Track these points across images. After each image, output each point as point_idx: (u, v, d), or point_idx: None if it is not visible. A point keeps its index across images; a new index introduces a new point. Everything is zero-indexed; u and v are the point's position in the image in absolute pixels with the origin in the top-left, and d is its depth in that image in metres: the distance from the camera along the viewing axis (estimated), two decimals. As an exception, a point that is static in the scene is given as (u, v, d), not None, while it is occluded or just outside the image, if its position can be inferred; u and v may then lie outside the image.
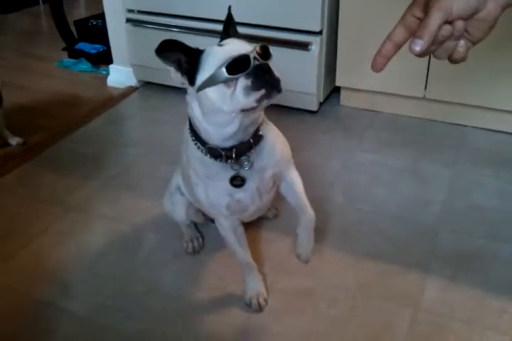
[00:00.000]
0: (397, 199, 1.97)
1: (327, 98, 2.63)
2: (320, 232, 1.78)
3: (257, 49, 1.10)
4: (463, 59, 0.70)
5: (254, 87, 1.08)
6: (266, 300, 1.53)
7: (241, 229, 1.47)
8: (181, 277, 1.65)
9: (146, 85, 2.87)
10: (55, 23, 3.30)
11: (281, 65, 2.61)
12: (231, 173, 1.28)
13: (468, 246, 1.74)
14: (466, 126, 2.40)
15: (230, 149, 1.24)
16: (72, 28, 3.30)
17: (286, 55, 2.40)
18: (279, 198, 1.48)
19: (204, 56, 1.13)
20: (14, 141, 2.34)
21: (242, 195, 1.33)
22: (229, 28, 1.25)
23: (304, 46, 2.35)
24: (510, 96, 2.26)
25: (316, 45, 2.34)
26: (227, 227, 1.43)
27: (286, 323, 1.48)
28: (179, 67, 1.15)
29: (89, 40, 3.21)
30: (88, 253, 1.75)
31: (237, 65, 1.08)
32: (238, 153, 1.25)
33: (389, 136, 2.37)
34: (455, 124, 2.42)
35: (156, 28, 2.61)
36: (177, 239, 1.77)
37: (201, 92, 1.13)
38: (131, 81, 2.86)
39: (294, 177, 1.43)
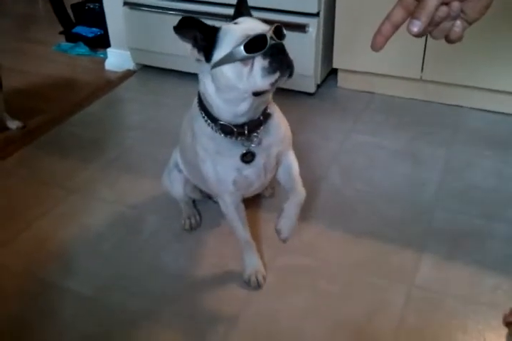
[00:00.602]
0: (394, 179, 2.00)
1: (324, 80, 2.64)
2: (318, 212, 1.82)
3: (272, 28, 1.13)
4: (459, 39, 0.72)
5: (271, 68, 1.13)
6: (264, 278, 1.57)
7: (242, 207, 1.51)
8: (182, 256, 1.68)
9: (144, 68, 2.88)
10: (52, 6, 3.29)
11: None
12: (242, 149, 1.32)
13: (464, 226, 1.77)
14: (462, 106, 2.42)
15: (242, 126, 1.28)
16: (70, 12, 3.29)
17: (283, 37, 2.41)
18: (276, 178, 1.51)
19: (221, 34, 1.15)
20: (14, 124, 2.36)
21: (249, 170, 1.37)
22: (241, 7, 1.27)
23: (301, 28, 2.35)
24: (506, 76, 2.27)
25: (314, 27, 2.35)
26: (230, 204, 1.47)
27: (285, 300, 1.52)
28: (196, 44, 1.17)
29: (87, 24, 3.20)
30: (90, 235, 1.78)
31: (254, 44, 1.11)
32: (249, 130, 1.29)
33: (386, 118, 2.39)
34: (451, 105, 2.44)
35: (154, 11, 2.60)
36: (177, 220, 1.80)
37: (217, 69, 1.17)
38: (129, 64, 2.86)
39: (292, 160, 1.48)
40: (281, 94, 2.52)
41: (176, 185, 1.73)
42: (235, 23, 1.19)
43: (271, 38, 1.12)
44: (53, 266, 1.66)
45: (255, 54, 1.11)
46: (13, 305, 1.53)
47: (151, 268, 1.64)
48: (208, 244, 1.72)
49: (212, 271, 1.63)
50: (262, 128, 1.32)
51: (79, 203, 1.92)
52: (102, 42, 3.03)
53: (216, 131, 1.30)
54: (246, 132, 1.29)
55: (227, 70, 1.15)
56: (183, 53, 2.89)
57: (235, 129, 1.28)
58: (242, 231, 1.54)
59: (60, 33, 3.27)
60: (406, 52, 2.37)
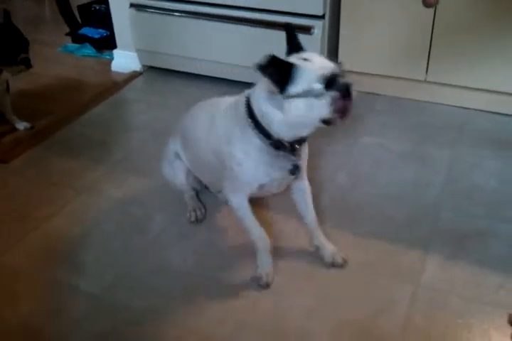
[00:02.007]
0: (399, 181, 2.01)
1: (329, 81, 2.65)
2: (324, 214, 1.84)
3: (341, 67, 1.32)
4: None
5: (339, 104, 1.29)
6: (272, 277, 1.59)
7: (251, 208, 1.57)
8: (188, 256, 1.70)
9: (151, 70, 2.90)
10: (58, 8, 3.31)
11: (284, 48, 2.64)
12: (285, 161, 1.47)
13: (468, 226, 1.78)
14: (466, 108, 2.44)
15: (292, 143, 1.43)
16: (76, 13, 3.31)
17: (289, 39, 2.42)
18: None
19: (296, 70, 1.27)
20: (22, 125, 2.38)
21: (277, 178, 1.51)
22: (294, 41, 1.40)
23: (306, 30, 2.37)
24: (509, 78, 2.28)
25: (319, 29, 2.36)
26: (246, 206, 1.56)
27: (292, 300, 1.54)
28: (273, 78, 1.28)
29: (93, 25, 3.22)
30: (98, 234, 1.80)
31: (329, 82, 1.27)
32: (298, 146, 1.45)
33: (390, 119, 2.41)
34: (456, 107, 2.45)
35: (160, 13, 2.63)
36: (183, 218, 1.82)
37: (291, 101, 1.29)
38: (136, 65, 2.88)
39: (307, 185, 1.65)
40: (287, 95, 2.57)
41: (179, 174, 1.82)
42: (305, 60, 1.30)
43: (339, 75, 1.29)
44: (62, 265, 1.68)
45: (330, 92, 1.27)
46: (22, 305, 1.55)
47: (158, 266, 1.66)
48: (215, 242, 1.73)
49: (219, 269, 1.65)
50: (303, 144, 1.49)
51: (87, 203, 1.94)
52: (108, 43, 3.06)
53: (267, 145, 1.42)
54: (296, 147, 1.45)
55: (302, 103, 1.29)
56: (188, 55, 2.90)
57: (288, 145, 1.42)
58: (257, 228, 1.58)
59: (67, 34, 3.29)
60: (411, 53, 2.39)
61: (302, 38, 2.35)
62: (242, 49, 2.56)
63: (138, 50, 2.83)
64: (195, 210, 1.84)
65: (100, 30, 3.20)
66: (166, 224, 1.83)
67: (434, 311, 1.49)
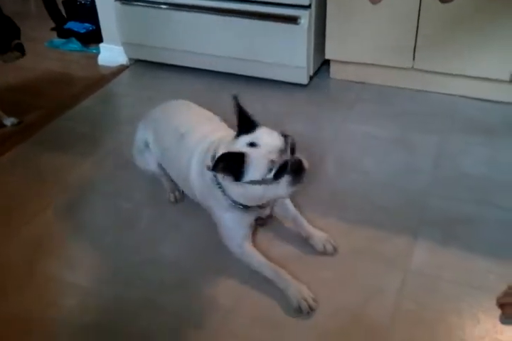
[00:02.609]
0: (387, 168, 2.02)
1: (317, 71, 2.66)
2: (311, 201, 1.85)
3: (289, 146, 1.39)
4: None
5: (294, 181, 1.39)
6: (315, 300, 1.48)
7: (253, 250, 1.63)
8: (179, 248, 1.70)
9: (137, 63, 2.89)
10: (43, 2, 3.29)
11: (270, 39, 2.65)
12: (255, 215, 1.62)
13: (457, 212, 1.80)
14: (454, 95, 2.45)
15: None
16: (61, 8, 3.29)
17: (275, 30, 2.42)
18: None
19: (247, 159, 1.35)
20: (9, 121, 2.37)
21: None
22: (245, 116, 1.45)
23: (293, 20, 2.37)
24: (496, 64, 2.29)
25: (305, 18, 2.36)
26: (248, 252, 1.61)
27: (282, 288, 1.54)
28: (226, 172, 1.37)
29: (79, 19, 3.21)
30: (89, 228, 1.80)
31: (280, 170, 1.36)
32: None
33: (378, 107, 2.41)
34: (443, 94, 2.46)
35: (145, 6, 2.62)
36: (174, 212, 1.83)
37: (247, 185, 1.39)
38: (122, 59, 2.87)
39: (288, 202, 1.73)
40: (274, 85, 2.58)
41: (150, 163, 1.87)
42: (252, 145, 1.38)
43: (290, 158, 1.37)
44: (54, 260, 1.68)
45: (282, 178, 1.37)
46: (14, 298, 1.55)
47: (149, 259, 1.66)
48: (204, 234, 1.73)
49: (210, 259, 1.65)
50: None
51: (76, 197, 1.94)
52: (94, 37, 3.04)
53: (234, 205, 1.53)
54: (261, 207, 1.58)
55: (258, 188, 1.39)
56: (175, 47, 2.90)
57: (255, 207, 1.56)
58: (269, 267, 1.56)
59: (52, 29, 3.27)
60: (397, 41, 2.39)
61: (289, 27, 2.39)
62: (228, 40, 2.55)
63: (124, 44, 2.82)
64: (173, 192, 1.88)
65: (86, 25, 3.18)
66: (156, 217, 1.83)
67: (423, 296, 1.51)
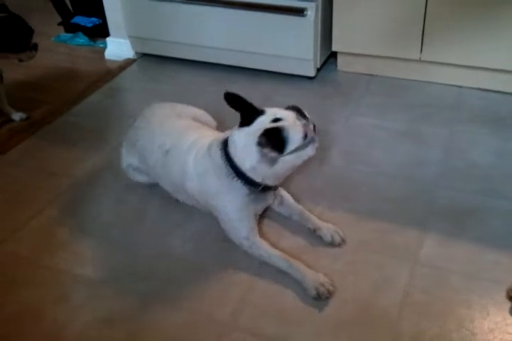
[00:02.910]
0: (395, 160, 2.02)
1: (324, 64, 2.64)
2: (320, 193, 1.85)
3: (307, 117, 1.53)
4: None
5: (314, 139, 1.52)
6: (332, 284, 1.49)
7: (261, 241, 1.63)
8: (188, 241, 1.70)
9: (144, 57, 2.89)
10: (49, -3, 3.29)
11: (277, 31, 2.64)
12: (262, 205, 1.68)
13: (465, 203, 1.79)
14: (461, 86, 2.43)
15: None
16: (68, 2, 3.29)
17: (282, 22, 2.41)
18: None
19: (286, 132, 1.45)
20: (17, 116, 2.37)
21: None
22: (246, 104, 1.51)
23: (299, 12, 2.36)
24: (504, 55, 2.27)
25: (312, 10, 2.35)
26: (261, 242, 1.61)
27: (291, 279, 1.54)
28: (271, 147, 1.45)
29: (85, 14, 3.20)
30: (98, 223, 1.81)
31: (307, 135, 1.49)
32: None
33: (386, 99, 2.40)
34: (451, 85, 2.45)
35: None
36: (181, 207, 1.82)
37: (284, 158, 1.47)
38: (129, 53, 2.87)
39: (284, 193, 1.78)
40: (281, 78, 2.57)
41: (140, 177, 1.91)
42: (278, 119, 1.47)
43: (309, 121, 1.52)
44: (63, 253, 1.69)
45: (311, 140, 1.50)
46: (23, 292, 1.56)
47: (158, 252, 1.67)
48: (212, 227, 1.73)
49: (217, 253, 1.66)
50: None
51: (84, 191, 1.95)
52: (101, 31, 3.04)
53: (255, 191, 1.57)
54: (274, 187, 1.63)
55: (294, 156, 1.48)
56: (181, 40, 2.89)
57: (273, 186, 1.61)
58: (279, 257, 1.56)
59: (59, 23, 3.27)
60: (405, 33, 2.38)
61: (296, 20, 2.38)
62: (235, 33, 2.55)
63: (131, 38, 2.81)
64: None
65: (92, 19, 3.17)
66: (163, 211, 1.83)
67: (432, 288, 1.50)
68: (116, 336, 1.42)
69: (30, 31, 2.24)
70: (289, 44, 2.48)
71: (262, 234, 1.66)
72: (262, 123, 1.46)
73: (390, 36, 2.42)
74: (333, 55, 2.67)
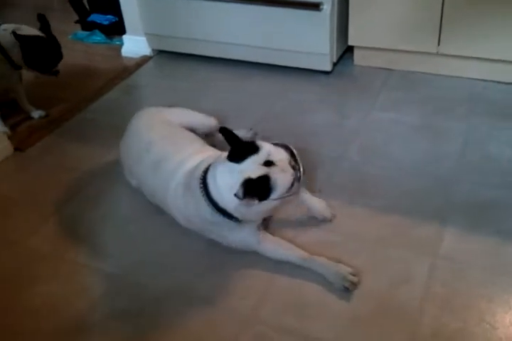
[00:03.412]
0: (414, 154, 2.00)
1: (340, 58, 2.63)
2: (339, 189, 1.84)
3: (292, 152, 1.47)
4: None
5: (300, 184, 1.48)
6: (355, 274, 1.50)
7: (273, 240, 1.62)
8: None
9: (160, 54, 2.90)
10: (66, -5, 3.31)
11: (293, 26, 2.63)
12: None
13: (484, 197, 1.77)
14: (480, 79, 2.41)
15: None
16: (84, 0, 3.31)
17: (298, 16, 2.41)
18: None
19: (273, 180, 1.39)
20: (36, 114, 2.40)
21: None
22: (238, 141, 1.44)
23: (315, 6, 2.35)
24: (524, 47, 2.25)
25: (328, 4, 2.34)
26: (273, 247, 1.59)
27: (312, 275, 1.53)
28: (254, 197, 1.37)
29: (102, 12, 3.22)
30: (116, 217, 1.83)
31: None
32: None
33: (404, 93, 2.39)
34: (469, 78, 2.42)
35: (167, -4, 2.62)
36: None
37: (268, 202, 1.42)
38: (146, 50, 2.88)
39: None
40: (298, 73, 2.57)
41: None
42: (269, 163, 1.40)
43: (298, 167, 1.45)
44: (83, 248, 1.71)
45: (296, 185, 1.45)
46: (45, 285, 1.58)
47: (177, 246, 1.68)
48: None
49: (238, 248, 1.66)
50: None
51: (102, 187, 1.96)
52: (117, 29, 3.05)
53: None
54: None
55: (275, 202, 1.44)
56: (197, 37, 2.89)
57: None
58: (296, 257, 1.56)
59: (76, 21, 3.29)
60: (422, 26, 2.36)
61: (312, 14, 2.37)
62: (251, 28, 2.54)
63: (147, 35, 2.83)
64: None
65: (109, 17, 3.19)
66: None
67: (453, 282, 1.49)
68: (136, 329, 1.43)
69: (59, 57, 2.29)
70: (305, 39, 2.48)
71: (277, 232, 1.66)
72: (253, 163, 1.39)
73: (407, 29, 2.41)
74: (349, 49, 2.65)
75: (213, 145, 1.83)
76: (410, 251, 1.60)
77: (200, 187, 1.48)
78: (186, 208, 1.58)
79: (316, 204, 1.70)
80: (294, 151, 1.46)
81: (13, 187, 2.01)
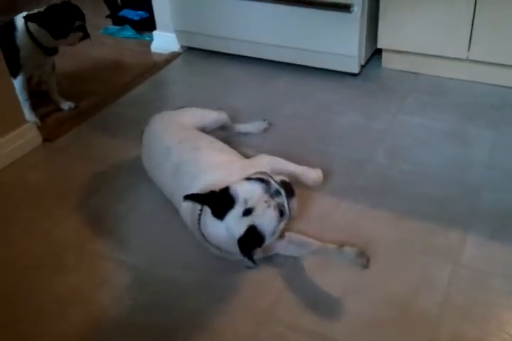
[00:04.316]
0: (440, 160, 1.99)
1: (368, 60, 2.63)
2: (362, 191, 1.84)
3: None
4: None
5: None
6: (363, 251, 1.52)
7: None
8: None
9: (189, 50, 2.92)
10: (98, -10, 3.35)
11: (322, 27, 2.63)
12: None
13: (509, 206, 1.76)
14: (509, 87, 2.38)
15: None
16: (116, -5, 3.35)
17: (328, 17, 2.41)
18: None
19: (260, 231, 1.39)
20: (66, 105, 2.44)
21: None
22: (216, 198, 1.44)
23: (345, 8, 2.34)
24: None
25: (358, 6, 2.34)
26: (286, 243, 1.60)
27: (330, 276, 1.55)
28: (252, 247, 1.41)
29: (133, 7, 3.25)
30: (140, 211, 1.85)
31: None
32: None
33: (431, 98, 2.38)
34: (498, 86, 2.40)
35: (199, -7, 2.64)
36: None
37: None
38: (175, 47, 2.91)
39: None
40: (325, 74, 2.57)
41: None
42: (247, 212, 1.39)
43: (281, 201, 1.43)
44: (107, 240, 1.73)
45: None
46: (70, 276, 1.61)
47: (199, 243, 1.69)
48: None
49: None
50: None
51: (128, 181, 1.99)
52: (147, 25, 3.08)
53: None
54: None
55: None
56: (227, 35, 2.90)
57: None
58: (309, 252, 1.58)
59: (107, 16, 3.33)
60: (452, 31, 2.34)
61: (341, 16, 2.37)
62: (280, 29, 2.55)
63: (177, 31, 2.85)
64: None
65: (140, 12, 3.22)
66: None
67: (474, 290, 1.49)
68: (157, 322, 1.45)
69: (76, 14, 2.22)
70: (334, 40, 2.48)
71: (301, 228, 1.67)
72: (234, 219, 1.39)
73: (437, 34, 2.39)
74: (377, 52, 2.65)
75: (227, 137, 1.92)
76: (431, 257, 1.60)
77: (198, 227, 1.52)
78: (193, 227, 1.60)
79: (310, 173, 1.74)
80: (266, 173, 1.45)
81: (41, 178, 2.04)
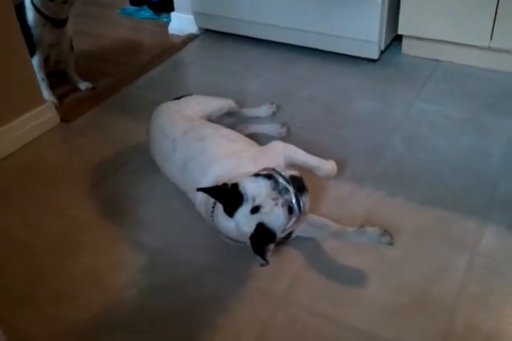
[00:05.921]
0: (458, 149, 1.98)
1: (388, 46, 2.60)
2: (379, 179, 1.84)
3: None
4: None
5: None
6: (385, 232, 1.51)
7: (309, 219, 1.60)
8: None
9: (207, 33, 2.90)
10: (116, -31, 3.32)
11: (343, 12, 2.60)
12: None
13: (528, 196, 1.76)
14: (531, 76, 2.36)
15: None
16: (134, -25, 3.32)
17: (348, 2, 2.38)
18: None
19: (270, 228, 1.37)
20: (83, 85, 2.44)
21: None
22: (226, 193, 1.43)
23: (367, -6, 2.32)
24: None
25: (380, -9, 2.31)
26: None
27: (347, 261, 1.56)
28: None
29: (151, -13, 3.23)
30: (158, 192, 1.85)
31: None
32: None
33: (451, 86, 2.35)
34: (520, 75, 2.37)
35: (219, -25, 2.61)
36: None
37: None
38: (192, 28, 2.89)
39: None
40: (345, 59, 2.55)
41: None
42: (255, 209, 1.37)
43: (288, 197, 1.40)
44: (125, 221, 1.75)
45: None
46: (86, 255, 1.63)
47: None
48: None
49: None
50: None
51: (145, 163, 1.98)
52: (165, 6, 3.06)
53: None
54: None
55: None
56: (244, 18, 2.88)
57: None
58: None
59: (125, -4, 3.32)
60: (475, 19, 2.31)
61: (362, 1, 2.34)
62: (300, 12, 2.52)
63: (195, 13, 2.83)
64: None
65: (158, -7, 3.20)
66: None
67: (490, 279, 1.49)
68: (171, 304, 1.47)
69: None
70: (354, 25, 2.45)
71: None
72: (243, 217, 1.38)
73: (459, 21, 2.36)
74: (397, 38, 2.62)
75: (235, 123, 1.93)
76: (449, 245, 1.60)
77: (213, 223, 1.53)
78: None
79: (325, 165, 1.65)
80: (279, 177, 1.39)
81: (59, 158, 2.06)
